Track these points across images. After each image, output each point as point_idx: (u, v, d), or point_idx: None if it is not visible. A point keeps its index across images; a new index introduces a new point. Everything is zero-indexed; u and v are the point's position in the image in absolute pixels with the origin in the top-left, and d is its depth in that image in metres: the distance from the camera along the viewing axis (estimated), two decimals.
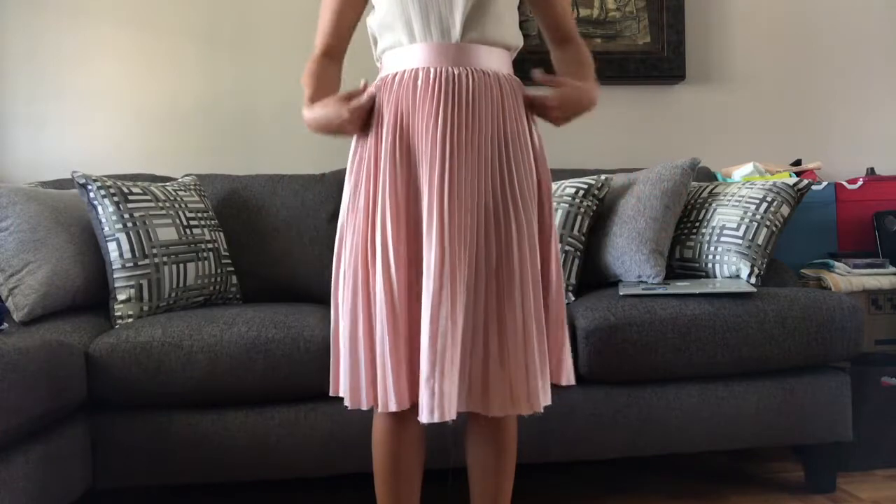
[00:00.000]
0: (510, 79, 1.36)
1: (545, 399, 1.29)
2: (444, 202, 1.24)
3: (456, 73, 1.29)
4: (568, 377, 1.39)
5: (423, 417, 1.21)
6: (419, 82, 1.29)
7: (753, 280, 2.06)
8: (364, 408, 1.29)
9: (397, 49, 1.33)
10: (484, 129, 1.29)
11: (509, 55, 1.39)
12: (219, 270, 2.18)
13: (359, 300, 1.29)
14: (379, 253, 1.26)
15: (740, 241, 2.11)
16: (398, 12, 1.31)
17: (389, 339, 1.24)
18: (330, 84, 1.42)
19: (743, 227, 2.12)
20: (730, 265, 2.10)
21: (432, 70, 1.29)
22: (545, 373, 1.30)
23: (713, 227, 2.18)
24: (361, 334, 1.28)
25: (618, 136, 2.90)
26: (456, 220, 1.24)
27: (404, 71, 1.31)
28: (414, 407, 1.25)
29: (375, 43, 1.40)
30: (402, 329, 1.25)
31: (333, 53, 1.44)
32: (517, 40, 1.39)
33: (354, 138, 1.38)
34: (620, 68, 2.84)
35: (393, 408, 1.24)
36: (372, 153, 1.32)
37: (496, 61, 1.34)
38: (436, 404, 1.19)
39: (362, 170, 1.33)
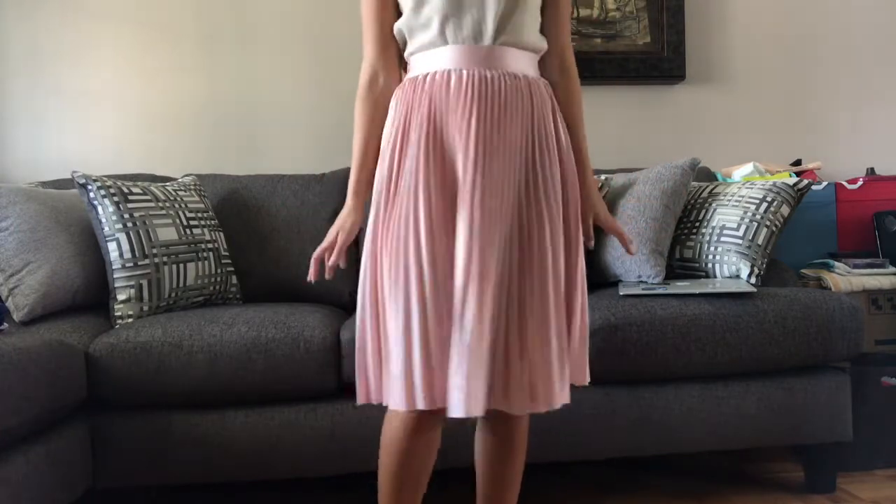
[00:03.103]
0: (538, 80, 1.38)
1: (563, 397, 1.29)
2: (475, 203, 1.24)
3: (489, 75, 1.30)
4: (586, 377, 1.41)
5: (450, 413, 1.20)
6: (452, 83, 1.29)
7: (753, 280, 2.06)
8: (421, 406, 1.23)
9: (430, 51, 1.33)
10: (515, 131, 1.31)
11: (536, 58, 1.40)
12: (219, 270, 2.18)
13: (379, 299, 1.28)
14: (424, 251, 1.24)
15: (740, 241, 2.11)
16: (432, 14, 1.31)
17: (436, 336, 1.22)
18: (376, 133, 1.39)
19: (743, 227, 2.12)
20: (730, 265, 2.11)
21: (465, 72, 1.30)
22: (564, 372, 1.30)
23: (713, 227, 2.18)
24: (400, 333, 1.25)
25: (618, 136, 2.90)
26: (487, 221, 1.24)
27: (436, 72, 1.31)
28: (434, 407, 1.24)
29: (404, 45, 1.39)
30: (445, 325, 1.24)
31: (382, 69, 1.39)
32: (543, 43, 1.41)
33: (387, 146, 1.35)
34: (620, 68, 2.84)
35: (421, 406, 1.21)
36: (403, 154, 1.31)
37: (525, 64, 1.36)
38: (461, 399, 1.19)
39: (393, 174, 1.31)
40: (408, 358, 1.22)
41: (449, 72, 1.30)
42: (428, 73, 1.32)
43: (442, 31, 1.31)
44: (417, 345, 1.22)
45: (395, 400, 1.23)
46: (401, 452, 1.29)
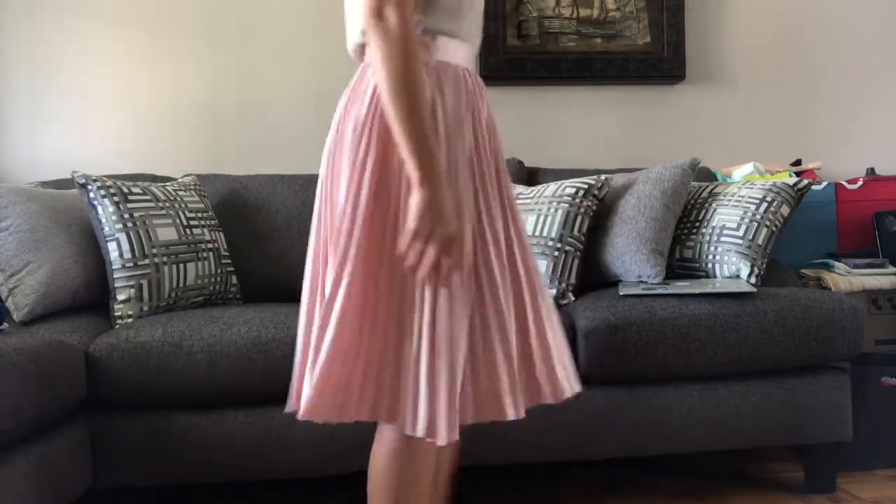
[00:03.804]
0: None
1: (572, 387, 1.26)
2: (517, 215, 1.27)
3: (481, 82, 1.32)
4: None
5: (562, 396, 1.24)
6: (482, 87, 1.30)
7: (753, 280, 2.06)
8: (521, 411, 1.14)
9: (456, 40, 1.23)
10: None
11: None
12: (219, 270, 2.18)
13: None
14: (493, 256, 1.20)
15: (740, 241, 2.11)
16: (468, 7, 1.24)
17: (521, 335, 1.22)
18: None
19: (743, 227, 2.12)
20: (730, 265, 2.11)
21: (476, 77, 1.29)
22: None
23: (713, 227, 2.18)
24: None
25: (618, 136, 2.90)
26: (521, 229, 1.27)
27: (457, 66, 1.23)
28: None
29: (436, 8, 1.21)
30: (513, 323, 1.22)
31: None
32: None
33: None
34: (620, 68, 2.84)
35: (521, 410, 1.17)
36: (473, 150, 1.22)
37: None
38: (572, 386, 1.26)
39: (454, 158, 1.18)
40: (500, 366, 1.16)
41: (470, 72, 1.28)
42: (458, 66, 1.23)
43: (469, 27, 1.25)
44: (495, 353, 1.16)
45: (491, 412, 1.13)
46: (430, 484, 1.17)
